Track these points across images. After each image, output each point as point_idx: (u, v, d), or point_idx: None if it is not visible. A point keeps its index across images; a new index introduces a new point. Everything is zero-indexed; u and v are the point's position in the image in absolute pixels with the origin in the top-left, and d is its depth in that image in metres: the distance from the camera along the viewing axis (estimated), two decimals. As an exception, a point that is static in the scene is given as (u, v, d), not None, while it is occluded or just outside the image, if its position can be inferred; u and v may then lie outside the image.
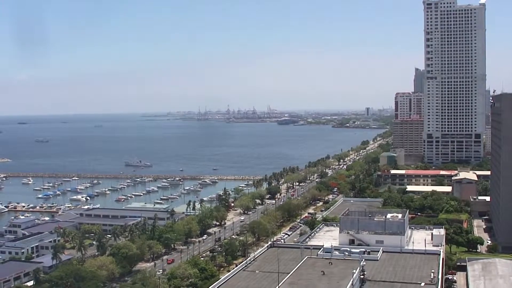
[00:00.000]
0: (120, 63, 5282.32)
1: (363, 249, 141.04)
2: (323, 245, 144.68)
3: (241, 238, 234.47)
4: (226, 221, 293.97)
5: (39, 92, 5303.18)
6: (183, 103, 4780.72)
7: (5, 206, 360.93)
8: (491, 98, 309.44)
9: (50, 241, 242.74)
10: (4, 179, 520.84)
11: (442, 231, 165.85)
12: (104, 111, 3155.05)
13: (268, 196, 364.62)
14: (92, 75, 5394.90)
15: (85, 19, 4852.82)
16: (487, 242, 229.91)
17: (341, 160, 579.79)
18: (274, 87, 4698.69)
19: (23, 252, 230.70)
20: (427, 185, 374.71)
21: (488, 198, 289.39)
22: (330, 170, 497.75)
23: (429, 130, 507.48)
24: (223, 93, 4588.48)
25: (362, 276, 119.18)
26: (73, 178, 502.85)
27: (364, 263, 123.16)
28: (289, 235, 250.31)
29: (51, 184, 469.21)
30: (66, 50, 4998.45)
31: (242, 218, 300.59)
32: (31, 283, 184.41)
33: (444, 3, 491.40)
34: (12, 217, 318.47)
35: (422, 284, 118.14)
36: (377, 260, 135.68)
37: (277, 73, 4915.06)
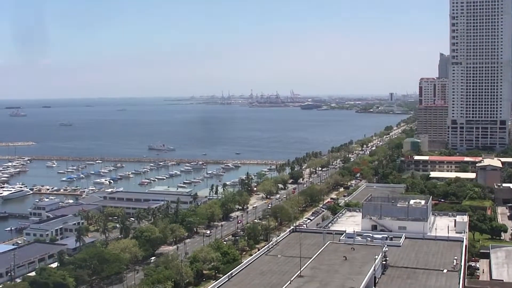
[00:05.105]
0: (143, 47, 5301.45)
1: (386, 235, 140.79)
2: (345, 231, 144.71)
3: (263, 222, 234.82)
4: (248, 205, 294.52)
5: (63, 76, 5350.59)
6: (206, 87, 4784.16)
7: (29, 189, 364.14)
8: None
9: (74, 224, 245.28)
10: (28, 162, 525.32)
11: (466, 218, 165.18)
12: (127, 95, 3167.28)
13: (291, 180, 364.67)
14: (116, 59, 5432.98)
15: (109, 3, 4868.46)
16: (511, 230, 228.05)
17: (364, 146, 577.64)
18: (297, 72, 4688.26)
19: (47, 234, 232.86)
20: (451, 171, 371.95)
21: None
22: (353, 156, 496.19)
23: (453, 116, 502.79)
24: (246, 78, 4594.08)
25: (384, 262, 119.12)
26: (97, 161, 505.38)
27: (387, 249, 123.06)
28: (311, 220, 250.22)
29: (75, 167, 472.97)
30: (90, 34, 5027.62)
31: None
32: (55, 264, 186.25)
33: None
34: (37, 200, 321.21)
35: (445, 271, 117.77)
36: (400, 246, 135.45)
37: (301, 57, 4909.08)
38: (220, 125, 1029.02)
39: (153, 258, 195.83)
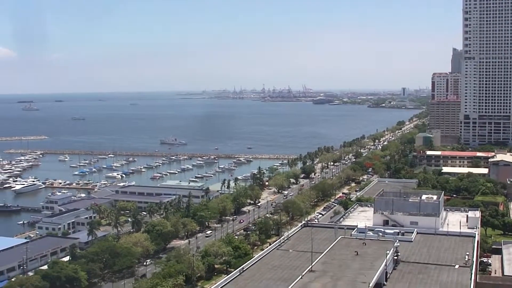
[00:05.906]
0: (155, 42, 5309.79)
1: (397, 230, 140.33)
2: (357, 226, 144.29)
3: (275, 217, 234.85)
4: (260, 200, 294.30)
5: (75, 70, 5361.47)
6: (218, 81, 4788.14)
7: (42, 183, 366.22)
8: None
9: (86, 218, 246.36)
10: (41, 156, 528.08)
11: (478, 214, 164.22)
12: (139, 90, 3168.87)
13: (302, 175, 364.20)
14: (127, 53, 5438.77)
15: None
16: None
17: (376, 141, 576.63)
18: (309, 67, 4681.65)
19: (59, 228, 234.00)
20: (463, 166, 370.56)
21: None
22: (365, 150, 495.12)
23: (466, 111, 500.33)
24: (258, 72, 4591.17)
25: (396, 257, 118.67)
26: (109, 155, 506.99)
27: (398, 244, 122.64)
28: (323, 215, 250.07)
29: (87, 161, 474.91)
30: (102, 29, 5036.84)
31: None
32: (67, 258, 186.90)
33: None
34: (49, 194, 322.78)
35: (457, 266, 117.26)
36: (411, 241, 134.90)
37: (313, 52, 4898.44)
38: (231, 119, 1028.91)
39: (148, 260, 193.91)
